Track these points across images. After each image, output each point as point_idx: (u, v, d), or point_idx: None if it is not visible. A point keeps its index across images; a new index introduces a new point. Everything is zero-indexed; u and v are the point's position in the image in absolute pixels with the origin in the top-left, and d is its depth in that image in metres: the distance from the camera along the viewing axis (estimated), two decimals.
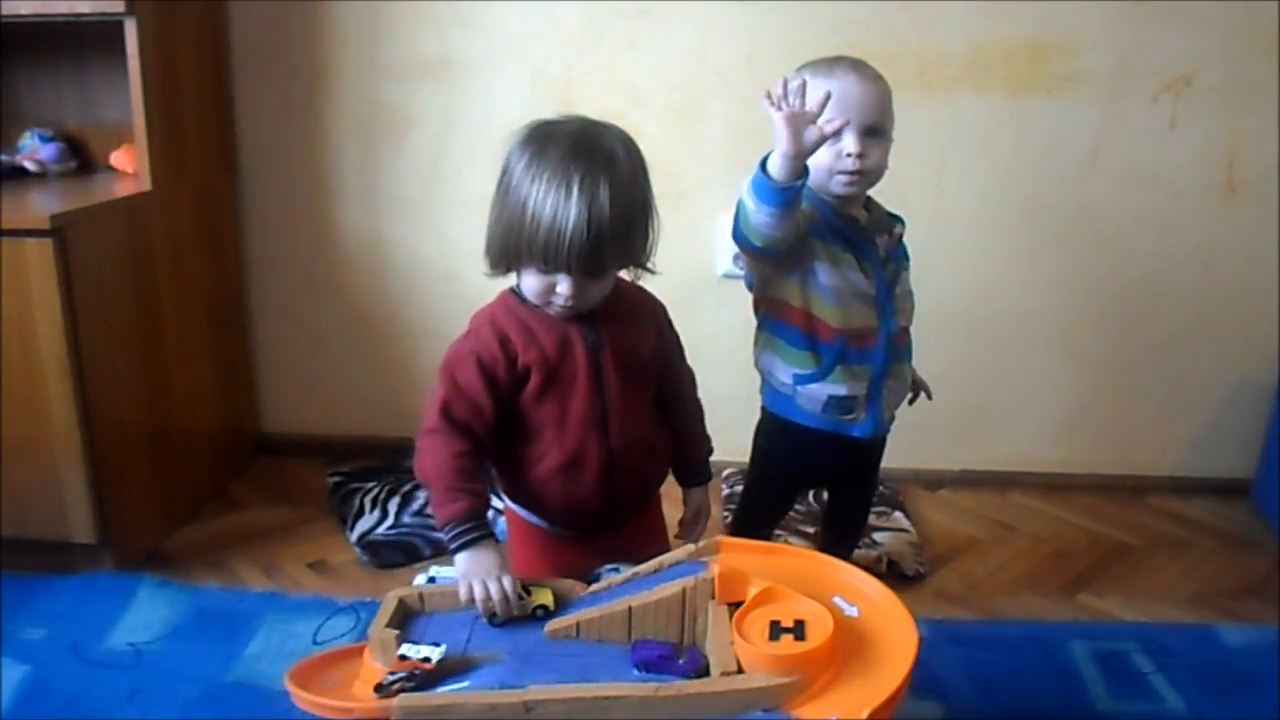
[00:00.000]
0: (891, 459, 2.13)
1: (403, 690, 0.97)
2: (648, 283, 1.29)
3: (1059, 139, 1.97)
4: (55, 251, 1.58)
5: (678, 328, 1.36)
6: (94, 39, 1.94)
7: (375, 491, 2.04)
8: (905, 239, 1.46)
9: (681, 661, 1.00)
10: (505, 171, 1.16)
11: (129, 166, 1.96)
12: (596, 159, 1.11)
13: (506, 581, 1.08)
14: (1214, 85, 1.92)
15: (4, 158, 1.99)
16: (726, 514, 1.96)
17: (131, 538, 1.80)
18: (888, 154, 1.35)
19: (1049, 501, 2.09)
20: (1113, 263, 2.03)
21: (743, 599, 1.02)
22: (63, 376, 1.63)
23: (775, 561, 1.11)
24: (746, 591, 1.02)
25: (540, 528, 1.29)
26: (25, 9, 1.73)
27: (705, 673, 0.98)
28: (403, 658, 1.01)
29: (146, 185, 1.81)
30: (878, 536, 1.89)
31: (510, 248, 1.15)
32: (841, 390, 1.37)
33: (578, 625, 1.06)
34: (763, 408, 1.48)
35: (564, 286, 1.14)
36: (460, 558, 1.12)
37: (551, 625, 1.07)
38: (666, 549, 1.18)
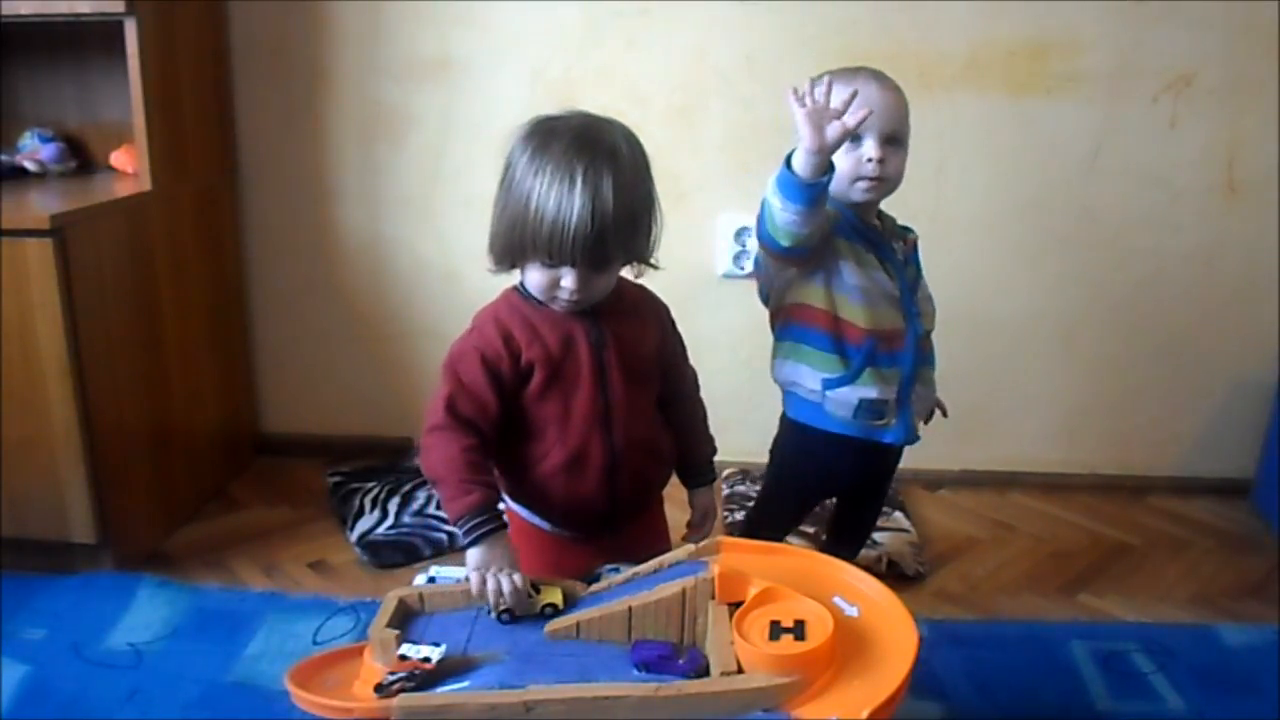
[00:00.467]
0: None
1: (403, 690, 0.97)
2: (646, 282, 1.29)
3: (1059, 139, 1.97)
4: (55, 251, 1.58)
5: (678, 328, 1.36)
6: (94, 39, 1.94)
7: (375, 491, 2.04)
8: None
9: (681, 661, 1.00)
10: (508, 167, 1.16)
11: (129, 166, 1.96)
12: (599, 152, 1.11)
13: (518, 577, 1.09)
14: (1214, 85, 1.92)
15: (4, 158, 1.99)
16: (727, 514, 1.96)
17: (131, 538, 1.80)
18: (905, 163, 1.37)
19: (1049, 501, 2.09)
20: (1113, 263, 2.03)
21: (743, 599, 1.02)
22: (63, 376, 1.63)
23: (775, 561, 1.11)
24: (746, 591, 1.02)
25: (542, 529, 1.29)
26: (25, 9, 1.73)
27: (705, 673, 0.98)
28: (403, 658, 1.01)
29: (146, 185, 1.81)
30: (878, 536, 1.88)
31: (515, 242, 1.15)
32: (873, 393, 1.36)
33: (578, 625, 1.06)
34: (785, 419, 1.47)
35: (569, 280, 1.14)
36: (472, 552, 1.11)
37: (551, 625, 1.07)
38: (668, 550, 1.18)
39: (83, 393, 1.65)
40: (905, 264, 1.42)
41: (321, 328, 2.21)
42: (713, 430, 1.41)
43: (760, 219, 1.31)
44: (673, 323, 1.34)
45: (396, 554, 1.84)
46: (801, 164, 1.22)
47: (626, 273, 1.24)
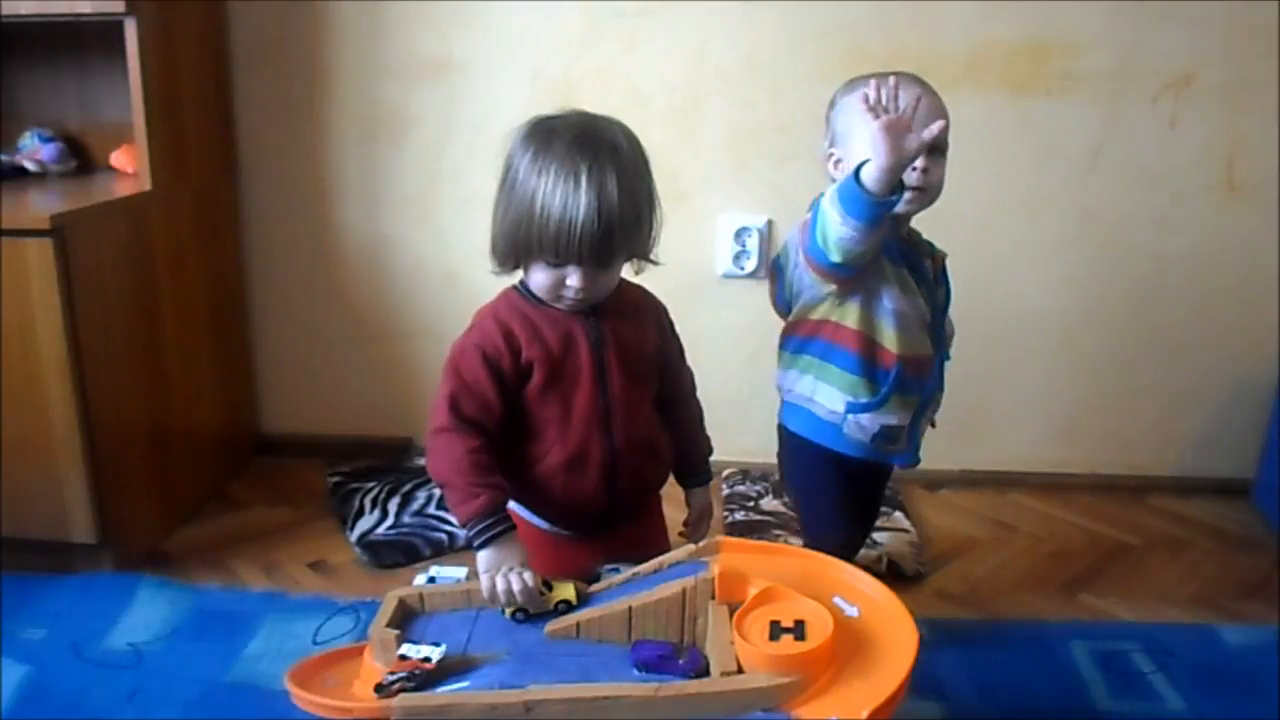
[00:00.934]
0: None
1: (403, 690, 0.97)
2: (647, 282, 1.29)
3: (1059, 139, 1.97)
4: (55, 251, 1.58)
5: (678, 328, 1.36)
6: (94, 39, 1.94)
7: (375, 491, 2.04)
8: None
9: (681, 661, 1.00)
10: (509, 168, 1.16)
11: (129, 166, 1.96)
12: (601, 149, 1.11)
13: (528, 575, 1.09)
14: (1214, 85, 1.92)
15: (4, 158, 1.99)
16: (726, 514, 1.96)
17: (131, 538, 1.80)
18: (944, 173, 1.31)
19: (1049, 501, 2.09)
20: (1113, 263, 2.03)
21: (743, 599, 1.02)
22: (63, 376, 1.63)
23: (775, 561, 1.11)
24: (746, 591, 1.02)
25: (540, 527, 1.29)
26: (25, 9, 1.73)
27: (705, 673, 0.98)
28: (403, 658, 1.01)
29: (146, 185, 1.81)
30: (878, 536, 1.89)
31: (520, 242, 1.15)
32: (893, 420, 1.32)
33: (578, 625, 1.06)
34: (791, 436, 1.40)
35: (575, 279, 1.14)
36: (482, 554, 1.11)
37: (551, 625, 1.07)
38: (667, 549, 1.18)
39: (83, 393, 1.65)
40: (936, 285, 1.37)
41: (321, 327, 2.21)
42: (711, 430, 1.41)
43: (810, 230, 1.24)
44: (671, 323, 1.34)
45: (396, 554, 1.84)
46: (875, 179, 1.15)
47: (627, 270, 1.24)
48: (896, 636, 0.99)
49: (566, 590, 1.10)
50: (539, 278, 1.17)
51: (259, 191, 2.14)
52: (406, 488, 2.05)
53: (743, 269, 2.07)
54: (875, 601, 1.05)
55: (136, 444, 1.81)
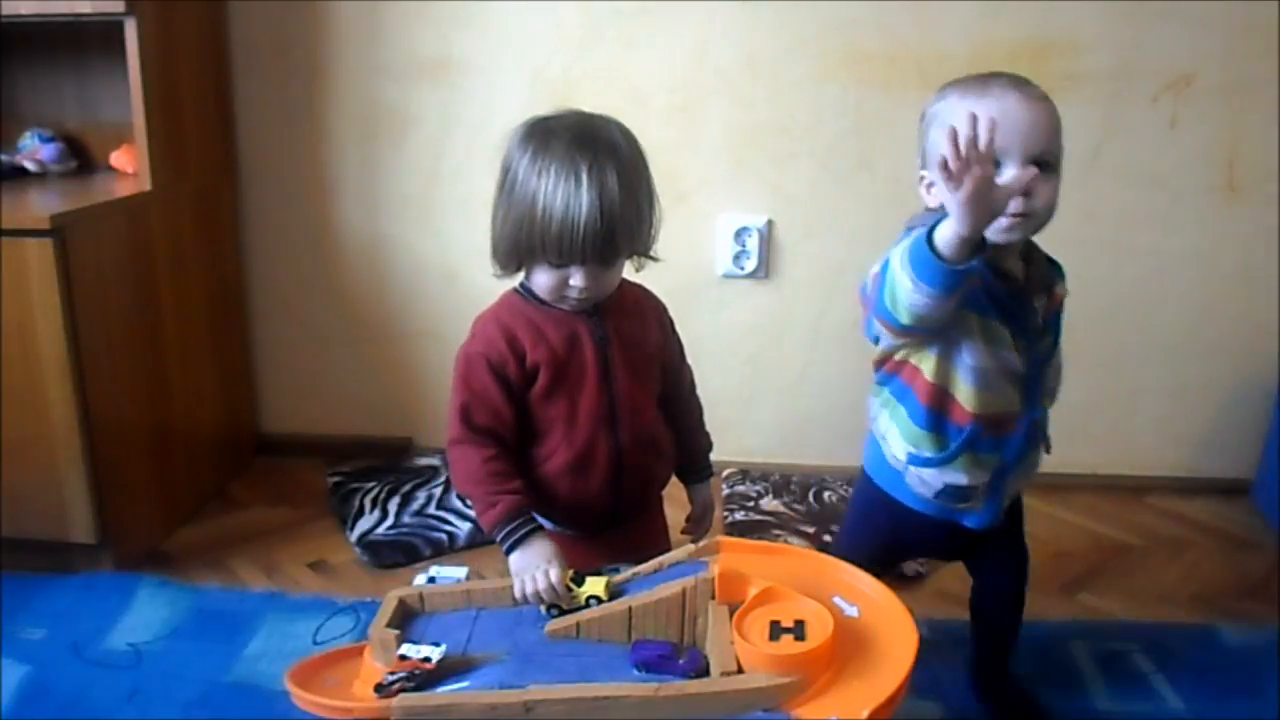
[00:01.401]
0: None
1: (403, 690, 0.97)
2: (647, 282, 1.29)
3: None
4: (55, 251, 1.58)
5: (678, 328, 1.36)
6: (94, 39, 1.94)
7: (375, 491, 2.04)
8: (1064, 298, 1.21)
9: (681, 661, 1.00)
10: (507, 170, 1.16)
11: (129, 166, 1.96)
12: (600, 148, 1.12)
13: (554, 572, 1.09)
14: (1214, 85, 1.92)
15: (4, 158, 1.99)
16: (726, 514, 1.96)
17: (131, 538, 1.80)
18: (1057, 192, 1.12)
19: (1049, 501, 2.09)
20: (1113, 263, 2.03)
21: (743, 599, 1.02)
22: (63, 376, 1.63)
23: (775, 561, 1.11)
24: (746, 591, 1.02)
25: (545, 528, 1.29)
26: (25, 9, 1.73)
27: (705, 673, 0.98)
28: (403, 658, 1.01)
29: (146, 185, 1.81)
30: None
31: (522, 244, 1.15)
32: (962, 479, 1.19)
33: (578, 625, 1.06)
34: (863, 467, 1.31)
35: (578, 279, 1.14)
36: (511, 559, 1.13)
37: (551, 625, 1.07)
38: (669, 548, 1.18)
39: (83, 393, 1.65)
40: (1044, 333, 1.19)
41: (321, 328, 2.21)
42: (712, 430, 1.41)
43: (879, 287, 1.08)
44: (671, 322, 1.34)
45: (396, 554, 1.84)
46: (950, 243, 0.98)
47: (627, 268, 1.24)
48: (896, 636, 0.99)
49: (598, 585, 1.10)
50: (542, 279, 1.17)
51: (259, 191, 2.14)
52: (406, 488, 2.05)
53: (743, 269, 2.07)
54: (875, 601, 1.05)
55: (136, 444, 1.81)
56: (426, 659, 1.00)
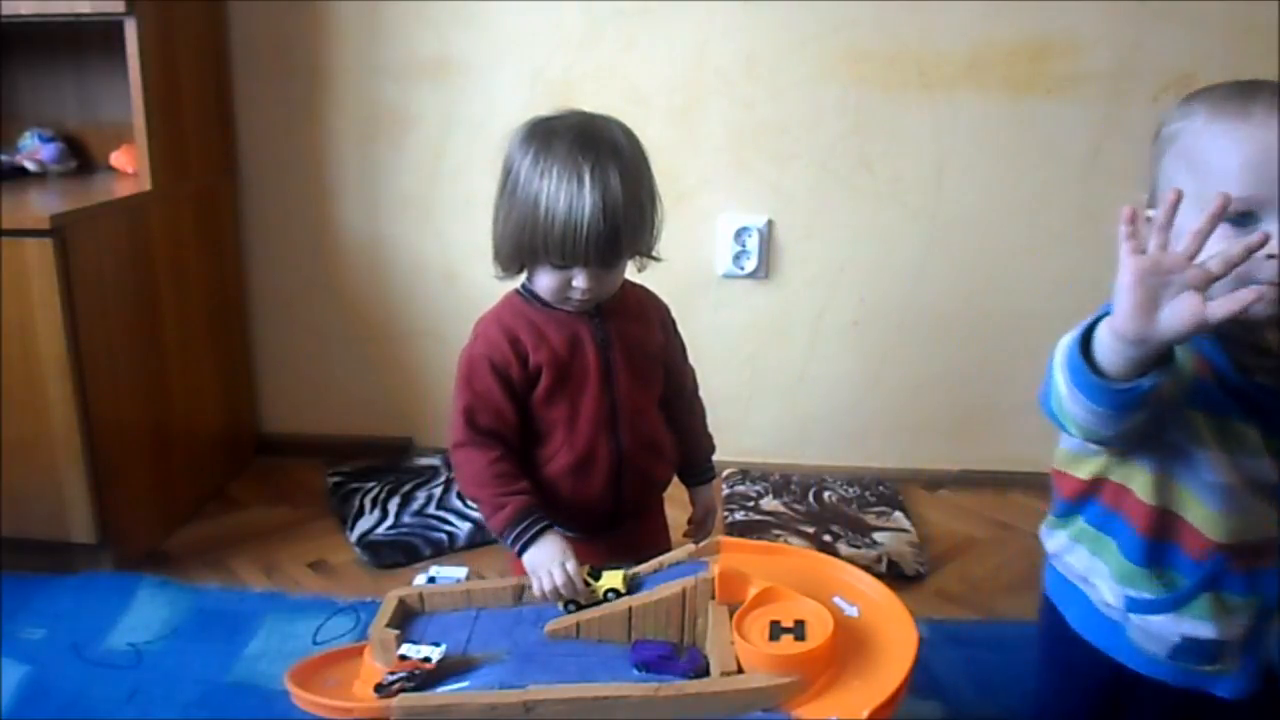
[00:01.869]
0: (891, 459, 2.16)
1: (403, 690, 0.97)
2: (647, 282, 1.29)
3: (1059, 139, 1.97)
4: (55, 251, 1.58)
5: (678, 328, 1.36)
6: (94, 39, 1.94)
7: (375, 491, 2.04)
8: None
9: (681, 661, 1.00)
10: (509, 172, 1.15)
11: (129, 166, 1.96)
12: (603, 148, 1.11)
13: (570, 565, 1.09)
14: None
15: (4, 158, 1.99)
16: (726, 514, 1.96)
17: (131, 538, 1.80)
18: None
19: (1049, 501, 2.09)
20: (1113, 263, 2.02)
21: (743, 599, 1.02)
22: (63, 376, 1.63)
23: (775, 561, 1.11)
24: (746, 591, 1.02)
25: (553, 524, 1.29)
26: (25, 9, 1.73)
27: (705, 673, 0.98)
28: (403, 658, 1.01)
29: (146, 185, 1.81)
30: (878, 536, 1.89)
31: (525, 246, 1.14)
32: (1205, 631, 0.88)
33: (578, 625, 1.06)
34: (1053, 615, 0.99)
35: (581, 279, 1.14)
36: (524, 559, 1.12)
37: (551, 625, 1.07)
38: (669, 549, 1.18)
39: (83, 393, 1.65)
40: None
41: (321, 327, 2.21)
42: (713, 430, 1.41)
43: (1045, 388, 0.86)
44: (673, 322, 1.34)
45: (396, 554, 1.84)
46: (1110, 351, 0.76)
47: (629, 268, 1.23)
48: (896, 636, 0.99)
49: (615, 579, 1.10)
50: (545, 280, 1.17)
51: (259, 191, 2.14)
52: (406, 488, 2.05)
53: (743, 269, 2.07)
54: (875, 601, 1.05)
55: (136, 444, 1.81)
56: (426, 659, 1.00)
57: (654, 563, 1.12)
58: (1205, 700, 0.91)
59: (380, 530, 1.91)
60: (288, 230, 2.16)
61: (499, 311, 1.22)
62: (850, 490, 2.07)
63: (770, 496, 2.04)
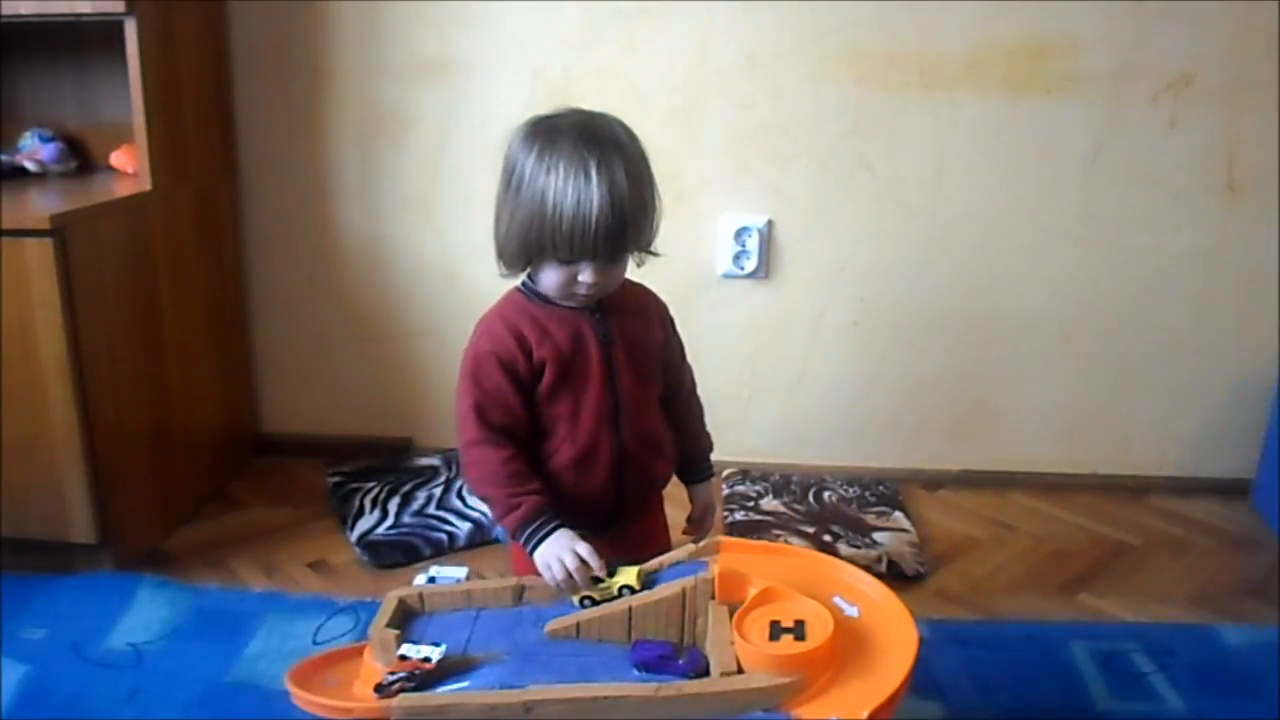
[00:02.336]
0: (891, 459, 2.16)
1: (403, 690, 0.97)
2: (647, 281, 1.29)
3: (1059, 139, 1.97)
4: (55, 251, 1.58)
5: (678, 327, 1.36)
6: (94, 39, 1.94)
7: (375, 491, 2.04)
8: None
9: (681, 661, 1.00)
10: (513, 170, 1.15)
11: (129, 166, 1.96)
12: (606, 144, 1.11)
13: (581, 548, 1.09)
14: (1214, 85, 1.92)
15: (4, 158, 1.99)
16: (726, 514, 1.96)
17: (131, 538, 1.80)
18: None
19: (1049, 501, 2.09)
20: (1113, 263, 2.03)
21: (743, 599, 1.02)
22: (63, 376, 1.63)
23: (775, 561, 1.11)
24: (746, 591, 1.02)
25: (564, 522, 1.29)
26: (25, 9, 1.73)
27: (705, 673, 0.98)
28: (403, 658, 1.01)
29: (146, 185, 1.81)
30: (878, 536, 1.89)
31: (532, 243, 1.14)
32: None
33: (578, 625, 1.06)
34: None
35: (587, 274, 1.14)
36: (535, 557, 1.13)
37: (551, 625, 1.07)
38: (669, 547, 1.18)
39: (83, 393, 1.65)
40: None
41: (321, 328, 2.21)
42: (712, 430, 1.41)
43: None
44: (672, 321, 1.34)
45: (396, 554, 1.84)
46: None
47: (629, 264, 1.24)
48: (896, 636, 0.99)
49: (629, 575, 1.10)
50: (550, 276, 1.17)
51: (259, 191, 2.14)
52: (406, 488, 2.05)
53: (743, 269, 2.07)
54: (875, 601, 1.05)
55: (136, 444, 1.81)
56: (426, 659, 1.00)
57: (654, 562, 1.12)
58: None
59: (380, 530, 1.91)
60: (288, 230, 2.16)
61: (501, 308, 1.22)
62: (850, 490, 2.07)
63: (770, 496, 2.04)
